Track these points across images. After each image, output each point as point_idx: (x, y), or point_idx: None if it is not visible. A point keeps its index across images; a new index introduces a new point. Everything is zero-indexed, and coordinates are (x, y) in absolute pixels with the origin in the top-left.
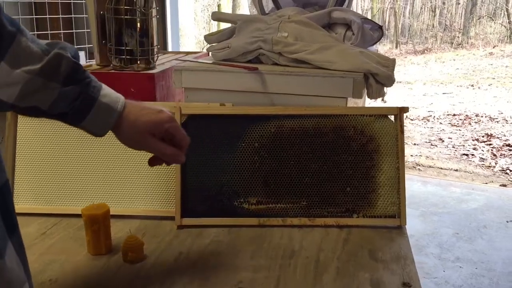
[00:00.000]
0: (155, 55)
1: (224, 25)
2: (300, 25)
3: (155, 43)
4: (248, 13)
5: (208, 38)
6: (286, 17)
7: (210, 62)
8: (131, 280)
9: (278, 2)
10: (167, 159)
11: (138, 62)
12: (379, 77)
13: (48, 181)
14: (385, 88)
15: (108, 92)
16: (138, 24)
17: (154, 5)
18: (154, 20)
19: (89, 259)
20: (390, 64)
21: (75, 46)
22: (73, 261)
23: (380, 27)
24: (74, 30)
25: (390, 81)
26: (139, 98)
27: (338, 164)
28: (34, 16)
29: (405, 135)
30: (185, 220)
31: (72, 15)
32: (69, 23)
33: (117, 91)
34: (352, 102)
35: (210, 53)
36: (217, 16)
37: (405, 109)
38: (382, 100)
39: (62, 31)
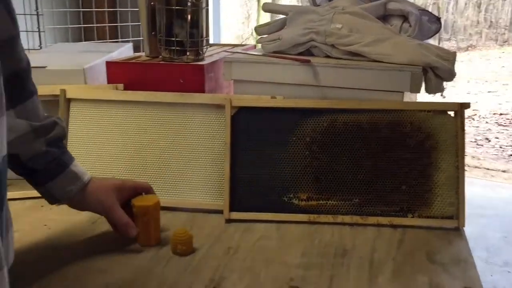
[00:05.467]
0: (204, 47)
1: (263, 19)
2: (355, 16)
3: (204, 34)
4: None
5: (258, 29)
6: (340, 8)
7: (260, 54)
8: (181, 272)
9: None
10: (120, 228)
11: (188, 53)
12: (439, 71)
13: (97, 172)
14: (444, 83)
15: (79, 165)
16: (189, 15)
17: None
18: (204, 12)
19: (139, 250)
20: (450, 57)
21: (120, 39)
22: (123, 251)
23: (438, 19)
24: (119, 24)
25: (450, 75)
26: (188, 89)
27: (393, 161)
28: (81, 9)
29: None
30: (233, 214)
31: (118, 9)
32: (113, 16)
33: (167, 82)
34: (407, 97)
35: (259, 45)
36: (268, 8)
37: (466, 105)
38: (441, 95)
39: (107, 24)
